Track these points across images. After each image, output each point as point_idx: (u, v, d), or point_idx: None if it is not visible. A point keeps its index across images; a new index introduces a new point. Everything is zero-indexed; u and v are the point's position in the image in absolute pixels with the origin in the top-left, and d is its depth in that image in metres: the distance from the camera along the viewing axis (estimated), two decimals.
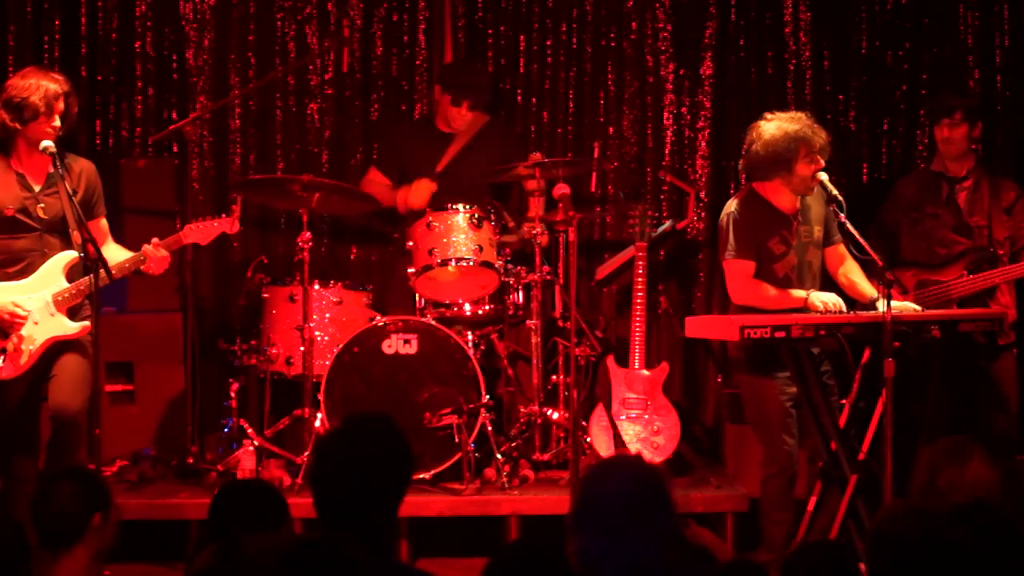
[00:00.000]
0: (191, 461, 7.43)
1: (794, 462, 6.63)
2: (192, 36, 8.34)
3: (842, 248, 6.80)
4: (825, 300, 6.47)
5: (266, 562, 4.00)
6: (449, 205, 7.47)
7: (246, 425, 7.40)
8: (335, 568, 3.50)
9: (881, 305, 6.05)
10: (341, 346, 7.30)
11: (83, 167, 6.57)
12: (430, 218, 7.45)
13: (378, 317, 7.49)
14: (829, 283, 6.81)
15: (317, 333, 7.44)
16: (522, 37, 8.51)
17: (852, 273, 6.75)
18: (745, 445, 7.47)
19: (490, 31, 8.49)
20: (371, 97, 8.49)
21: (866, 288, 6.61)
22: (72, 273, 6.42)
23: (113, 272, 6.28)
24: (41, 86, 6.33)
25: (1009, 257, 7.05)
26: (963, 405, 7.13)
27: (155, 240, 6.60)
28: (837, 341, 6.38)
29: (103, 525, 4.63)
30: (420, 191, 7.87)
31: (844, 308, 6.46)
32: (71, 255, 6.42)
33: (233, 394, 7.57)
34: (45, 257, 6.40)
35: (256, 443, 7.26)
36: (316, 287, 7.49)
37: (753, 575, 3.86)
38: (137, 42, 8.33)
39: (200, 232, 6.81)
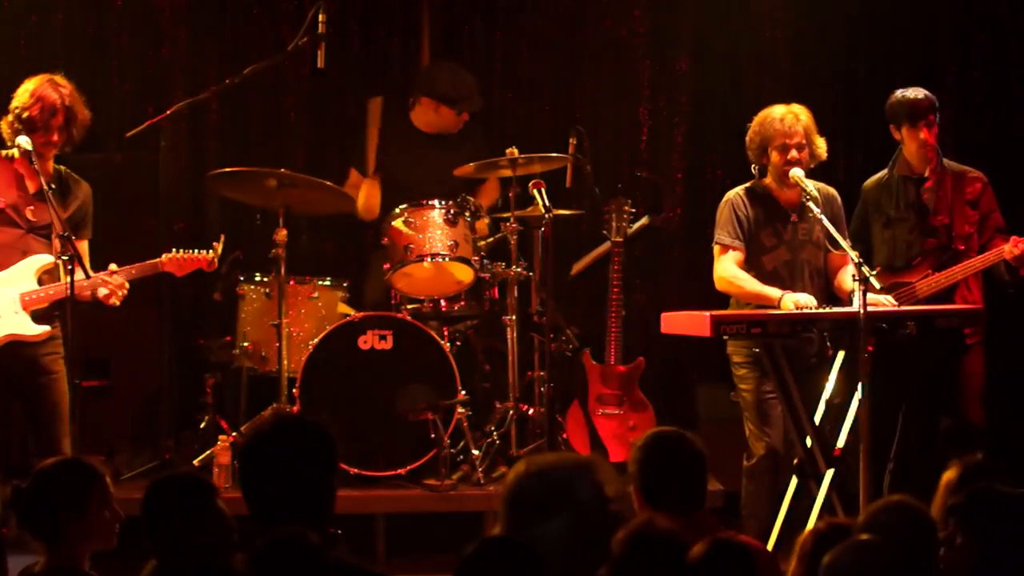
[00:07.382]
0: (167, 456, 7.42)
1: (775, 455, 6.66)
2: (168, 31, 8.33)
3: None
4: (797, 300, 6.40)
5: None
6: (425, 201, 7.47)
7: (222, 421, 7.39)
8: (305, 561, 3.49)
9: (856, 299, 6.03)
10: (317, 342, 7.29)
11: (81, 188, 6.60)
12: (406, 214, 7.45)
13: (354, 313, 7.49)
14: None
15: (293, 329, 7.43)
16: (498, 33, 8.52)
17: (842, 273, 6.72)
18: (720, 441, 7.47)
19: (466, 27, 8.49)
20: (347, 93, 8.49)
21: (849, 284, 6.60)
22: (45, 279, 6.41)
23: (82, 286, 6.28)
24: (43, 99, 6.31)
25: (978, 250, 7.03)
26: (935, 400, 7.14)
27: (112, 267, 6.55)
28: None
29: (80, 522, 4.60)
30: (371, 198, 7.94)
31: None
32: (47, 259, 6.41)
33: (209, 390, 7.56)
34: (24, 256, 6.40)
35: (232, 439, 7.26)
36: (292, 283, 7.49)
37: (737, 556, 3.75)
38: (113, 37, 8.31)
39: (177, 263, 6.79)
